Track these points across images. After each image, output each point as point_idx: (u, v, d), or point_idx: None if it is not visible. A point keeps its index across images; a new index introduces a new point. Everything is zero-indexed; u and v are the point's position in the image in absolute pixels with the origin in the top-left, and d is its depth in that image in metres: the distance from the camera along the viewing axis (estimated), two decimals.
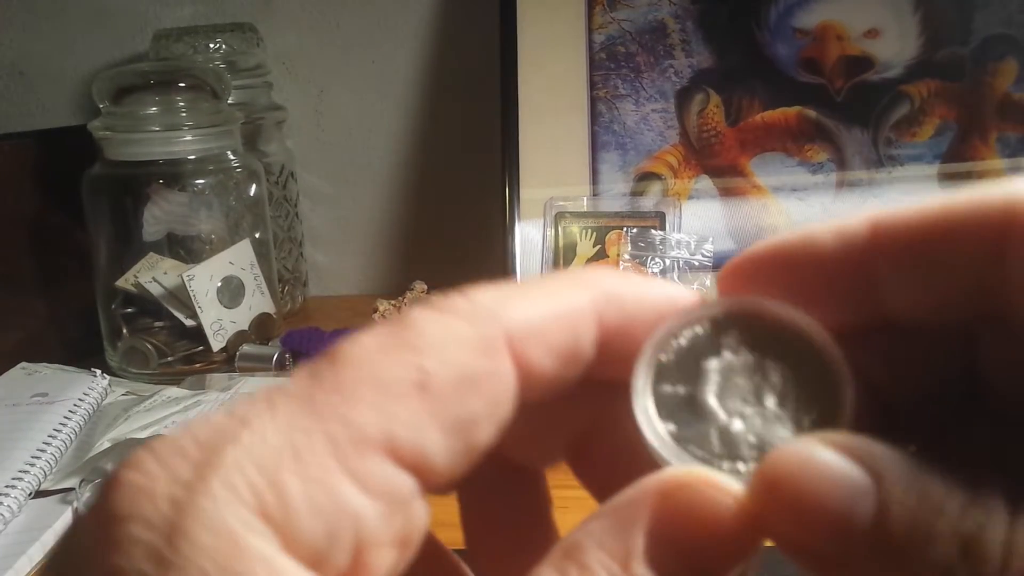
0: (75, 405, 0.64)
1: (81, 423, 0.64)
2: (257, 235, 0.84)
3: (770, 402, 0.19)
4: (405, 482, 0.16)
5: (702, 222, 0.82)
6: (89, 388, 0.67)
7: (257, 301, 0.82)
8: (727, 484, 0.17)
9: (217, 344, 0.78)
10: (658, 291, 0.20)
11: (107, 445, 0.60)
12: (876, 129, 0.82)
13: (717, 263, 0.77)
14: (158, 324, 0.80)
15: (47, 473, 0.58)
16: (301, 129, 1.00)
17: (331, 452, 0.16)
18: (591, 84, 0.84)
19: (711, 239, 0.77)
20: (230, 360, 0.77)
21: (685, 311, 0.20)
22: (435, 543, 0.23)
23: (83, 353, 0.81)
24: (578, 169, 0.84)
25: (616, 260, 0.78)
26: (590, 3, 0.84)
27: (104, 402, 0.68)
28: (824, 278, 0.19)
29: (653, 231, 0.78)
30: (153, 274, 0.78)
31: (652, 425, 0.19)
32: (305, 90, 0.99)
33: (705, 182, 0.83)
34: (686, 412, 0.19)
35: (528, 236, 0.82)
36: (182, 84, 0.79)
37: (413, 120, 0.99)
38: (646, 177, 0.84)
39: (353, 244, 1.03)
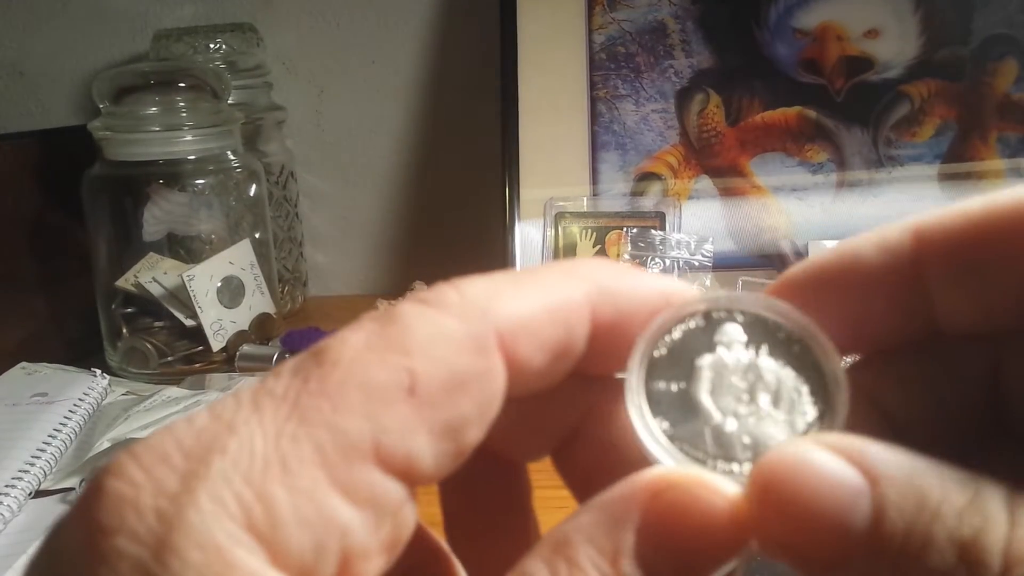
0: (75, 405, 0.64)
1: (81, 423, 0.64)
2: (257, 235, 0.84)
3: (764, 402, 0.19)
4: (394, 490, 0.16)
5: (702, 222, 0.82)
6: (89, 388, 0.67)
7: (257, 301, 0.82)
8: (719, 485, 0.17)
9: (217, 344, 0.78)
10: (652, 284, 0.20)
11: (107, 445, 0.60)
12: (876, 129, 0.82)
13: (717, 263, 0.77)
14: (158, 324, 0.80)
15: (47, 473, 0.58)
16: (301, 129, 1.00)
17: (319, 462, 0.15)
18: (591, 84, 0.84)
19: (711, 239, 0.77)
20: (230, 360, 0.77)
21: (679, 305, 0.19)
22: (421, 530, 0.22)
23: (83, 353, 0.81)
24: (578, 169, 0.84)
25: (616, 260, 0.78)
26: (590, 3, 0.84)
27: (104, 402, 0.68)
28: (871, 293, 0.19)
29: (653, 231, 0.78)
30: (153, 274, 0.78)
31: (646, 423, 0.19)
32: (305, 90, 0.99)
33: (705, 182, 0.83)
34: (679, 410, 0.19)
35: (528, 236, 0.82)
36: (182, 84, 0.79)
37: (413, 120, 0.99)
38: (646, 177, 0.84)
39: (353, 244, 1.03)
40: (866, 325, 0.19)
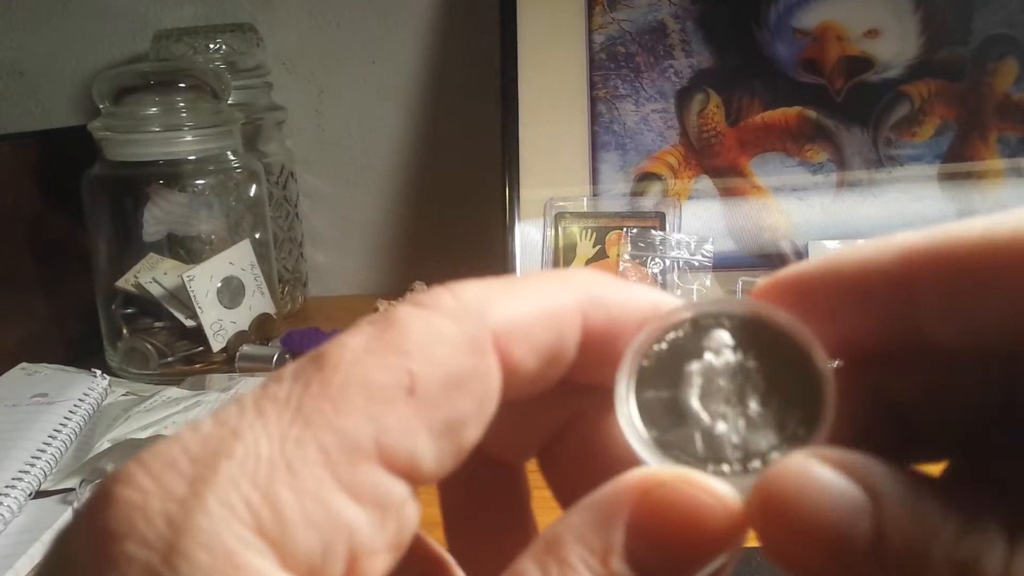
0: (75, 405, 0.64)
1: (81, 423, 0.64)
2: (257, 235, 0.84)
3: (753, 403, 0.19)
4: (397, 488, 0.16)
5: (702, 222, 0.82)
6: (89, 388, 0.67)
7: (257, 301, 0.82)
8: (707, 482, 0.17)
9: (217, 344, 0.78)
10: (643, 296, 0.20)
11: (107, 445, 0.60)
12: (876, 129, 0.82)
13: (717, 263, 0.77)
14: (158, 324, 0.80)
15: (47, 473, 0.58)
16: (301, 129, 1.00)
17: (324, 463, 0.16)
18: (591, 84, 0.84)
19: (711, 239, 0.77)
20: (230, 360, 0.77)
21: (666, 314, 0.20)
22: (420, 539, 0.23)
23: (83, 353, 0.81)
24: (578, 169, 0.84)
25: (616, 260, 0.78)
26: (590, 3, 0.84)
27: (104, 402, 0.68)
28: (853, 306, 0.19)
29: (653, 231, 0.78)
30: (153, 274, 0.78)
31: (636, 431, 0.19)
32: (305, 90, 0.99)
33: (705, 182, 0.84)
34: (669, 416, 0.19)
35: (528, 236, 0.82)
36: (182, 84, 0.79)
37: (413, 120, 0.99)
38: (646, 177, 0.84)
39: (353, 244, 1.03)
40: (849, 335, 0.19)
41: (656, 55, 0.84)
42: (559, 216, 0.81)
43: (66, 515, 0.55)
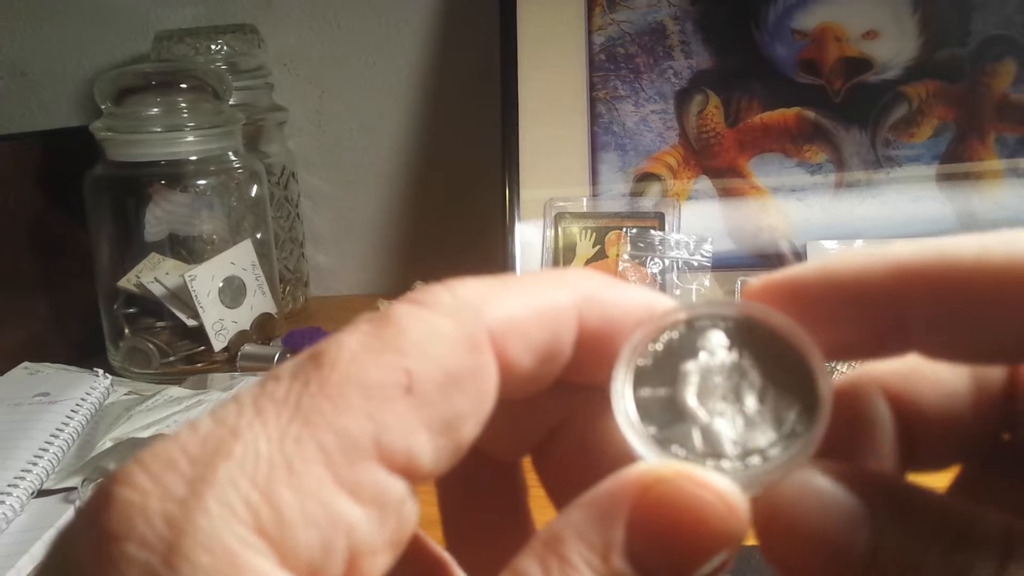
0: (77, 405, 0.65)
1: (83, 423, 0.64)
2: (258, 235, 0.84)
3: (750, 400, 0.19)
4: (396, 486, 0.16)
5: (701, 223, 0.82)
6: (91, 388, 0.67)
7: (258, 301, 0.82)
8: (708, 478, 0.17)
9: (219, 344, 0.78)
10: (638, 297, 0.20)
11: (109, 444, 0.61)
12: (874, 130, 0.82)
13: (716, 263, 0.77)
14: (160, 324, 0.80)
15: (49, 472, 0.58)
16: (302, 130, 1.00)
17: (323, 462, 0.16)
18: (591, 85, 0.85)
19: (710, 239, 0.77)
20: (232, 360, 0.77)
21: (662, 314, 0.20)
22: (419, 538, 0.23)
23: (85, 353, 0.81)
24: (578, 169, 0.84)
25: (615, 260, 0.79)
26: (590, 4, 0.85)
27: (106, 402, 0.68)
28: (846, 313, 0.19)
29: (652, 231, 0.78)
30: (155, 274, 0.79)
31: (633, 428, 0.19)
32: (306, 91, 0.99)
33: (704, 183, 0.84)
34: (666, 414, 0.19)
35: (528, 236, 0.82)
36: (184, 85, 0.79)
37: (414, 121, 1.00)
38: (645, 178, 0.84)
39: (354, 244, 1.03)
40: (841, 340, 0.19)
41: (655, 56, 0.84)
42: (559, 216, 0.82)
43: (68, 514, 0.55)
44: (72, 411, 0.64)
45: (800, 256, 0.80)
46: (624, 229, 0.79)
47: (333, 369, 0.16)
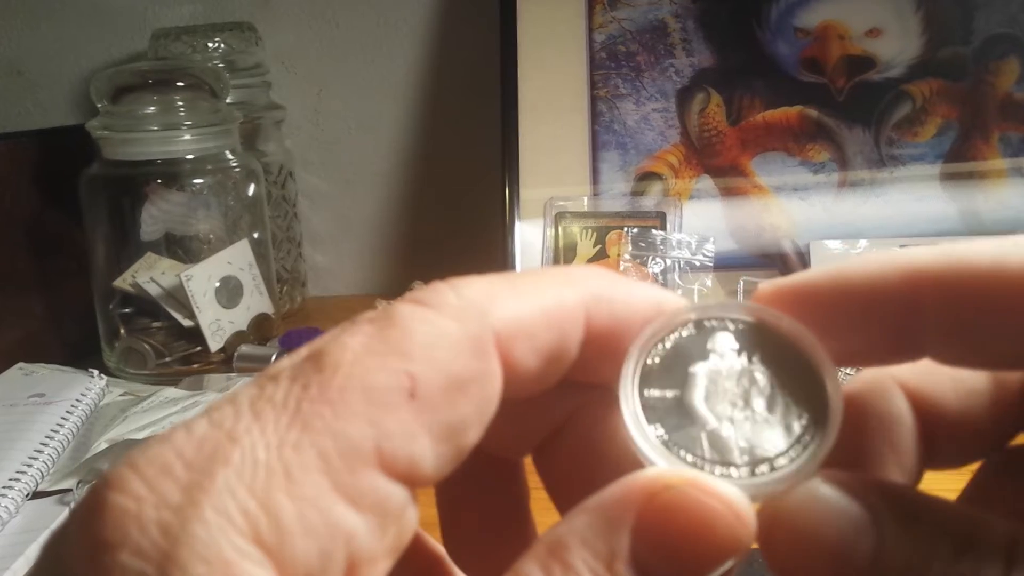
0: (72, 406, 0.64)
1: (78, 424, 0.63)
2: (255, 235, 0.84)
3: (759, 405, 0.19)
4: (397, 493, 0.16)
5: (703, 222, 0.82)
6: (87, 388, 0.67)
7: (255, 301, 0.82)
8: (715, 486, 0.17)
9: (215, 344, 0.78)
10: (646, 295, 0.20)
11: (104, 446, 0.60)
12: (878, 129, 0.82)
13: (718, 263, 0.77)
14: (156, 324, 0.80)
15: (44, 474, 0.57)
16: (300, 129, 1.00)
17: (323, 469, 0.15)
18: (591, 83, 0.84)
19: (712, 239, 0.77)
20: (228, 361, 0.77)
21: (671, 314, 0.20)
22: (420, 537, 0.22)
23: (81, 353, 0.81)
24: (578, 169, 0.84)
25: (616, 260, 0.78)
26: (590, 2, 0.84)
27: (101, 402, 0.68)
28: (859, 318, 0.19)
29: (654, 231, 0.78)
30: (151, 274, 0.78)
31: (641, 429, 0.19)
32: (304, 89, 0.99)
33: (706, 182, 0.83)
34: (674, 416, 0.19)
35: (528, 236, 0.82)
36: (181, 83, 0.79)
37: (413, 119, 0.99)
38: (647, 177, 0.84)
39: (352, 244, 1.03)
40: (853, 346, 0.19)
41: (657, 54, 0.84)
42: (559, 216, 0.81)
43: (63, 516, 0.54)
44: (67, 412, 0.63)
45: (803, 256, 0.79)
46: (625, 229, 0.79)
47: (335, 372, 0.16)
